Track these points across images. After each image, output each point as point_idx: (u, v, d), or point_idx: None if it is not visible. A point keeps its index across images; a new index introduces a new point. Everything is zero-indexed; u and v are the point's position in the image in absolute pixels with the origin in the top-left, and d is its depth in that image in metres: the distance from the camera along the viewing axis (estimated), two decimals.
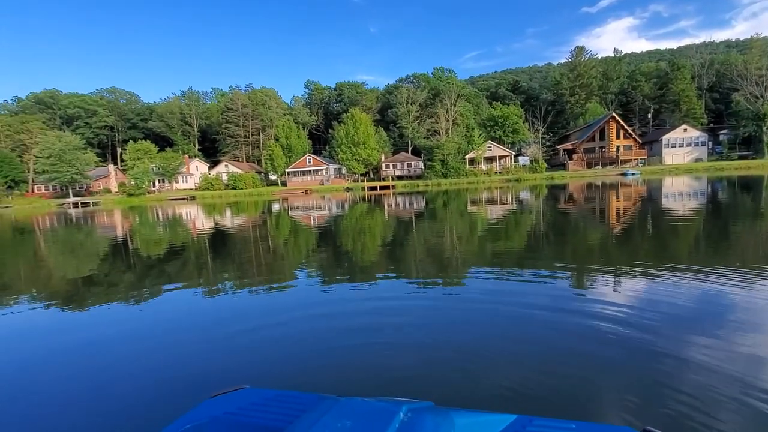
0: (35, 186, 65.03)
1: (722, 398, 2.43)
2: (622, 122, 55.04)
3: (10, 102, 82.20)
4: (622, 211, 13.24)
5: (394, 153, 67.65)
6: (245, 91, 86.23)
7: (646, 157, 54.16)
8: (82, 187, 63.17)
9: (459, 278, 5.82)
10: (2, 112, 75.90)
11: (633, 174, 44.07)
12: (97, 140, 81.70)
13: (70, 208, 47.76)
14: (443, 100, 66.35)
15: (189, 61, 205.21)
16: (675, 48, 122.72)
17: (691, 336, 3.36)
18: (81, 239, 15.07)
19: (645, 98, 70.28)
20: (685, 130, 53.96)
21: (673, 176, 38.40)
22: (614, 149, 54.50)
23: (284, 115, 79.41)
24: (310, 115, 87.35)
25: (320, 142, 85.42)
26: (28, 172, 63.96)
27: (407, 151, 68.01)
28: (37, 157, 58.65)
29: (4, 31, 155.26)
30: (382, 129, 70.14)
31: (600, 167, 53.26)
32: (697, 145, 53.55)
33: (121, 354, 3.72)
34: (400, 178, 59.34)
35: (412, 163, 60.89)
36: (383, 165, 60.98)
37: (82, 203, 52.72)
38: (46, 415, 2.75)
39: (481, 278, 5.67)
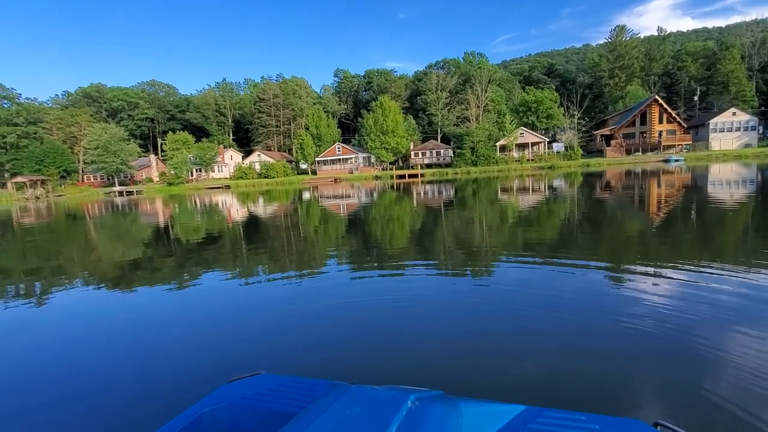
0: (85, 176, 69.23)
1: (747, 399, 2.41)
2: (665, 105, 51.91)
3: (61, 96, 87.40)
4: (663, 201, 12.66)
5: (423, 141, 67.00)
6: (276, 80, 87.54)
7: (691, 142, 50.94)
8: (127, 177, 66.69)
9: (484, 268, 5.84)
10: (54, 106, 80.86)
11: (677, 160, 41.68)
12: (139, 131, 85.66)
13: (116, 196, 50.71)
14: (474, 85, 64.78)
15: (223, 53, 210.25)
16: (723, 26, 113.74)
17: (725, 337, 3.22)
18: (126, 226, 16.07)
19: (691, 80, 65.82)
20: (734, 113, 50.18)
21: (720, 163, 36.04)
22: (656, 134, 51.57)
23: (314, 104, 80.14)
24: (340, 104, 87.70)
25: (349, 130, 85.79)
26: (78, 162, 68.12)
27: (436, 139, 67.19)
28: (85, 148, 62.33)
29: (56, 29, 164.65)
30: (411, 116, 69.49)
31: (640, 153, 50.64)
32: (746, 129, 49.75)
33: (149, 337, 3.95)
34: (429, 166, 58.85)
35: (442, 150, 60.15)
36: (412, 153, 60.60)
37: (126, 192, 55.79)
38: (79, 395, 3.05)
39: (507, 269, 5.66)
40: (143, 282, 6.29)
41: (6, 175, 66.34)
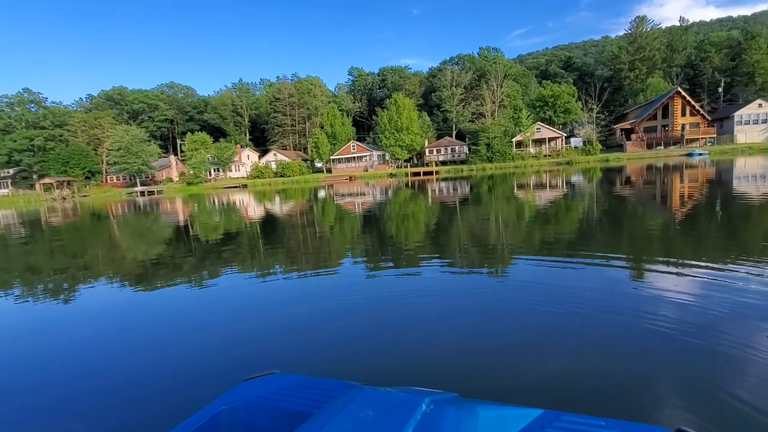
0: (108, 176, 71.34)
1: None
2: (688, 98, 50.24)
3: (84, 100, 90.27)
4: (685, 196, 12.31)
5: (438, 138, 66.60)
6: (291, 80, 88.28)
7: (715, 135, 49.25)
8: (148, 177, 68.42)
9: (500, 268, 5.81)
10: (78, 110, 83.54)
11: (700, 154, 40.38)
12: (159, 133, 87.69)
13: (138, 196, 52.12)
14: (489, 81, 63.97)
15: (239, 54, 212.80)
16: (749, 15, 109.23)
17: (753, 338, 3.10)
18: (148, 225, 16.53)
19: (715, 71, 63.51)
20: (760, 105, 48.23)
21: (746, 156, 34.77)
22: (679, 127, 50.01)
23: (328, 102, 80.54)
24: (354, 102, 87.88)
25: (364, 128, 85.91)
26: (102, 163, 70.19)
27: (451, 136, 66.69)
28: (108, 149, 64.17)
29: (79, 34, 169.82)
30: (426, 113, 69.16)
31: (662, 147, 49.23)
32: None
33: (167, 335, 4.06)
34: (443, 163, 58.51)
35: (456, 147, 59.70)
36: (427, 150, 60.34)
37: (148, 192, 57.26)
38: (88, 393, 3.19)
39: (524, 267, 5.62)
40: (162, 280, 6.48)
41: (34, 177, 68.90)
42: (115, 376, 3.22)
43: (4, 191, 69.42)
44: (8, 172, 71.02)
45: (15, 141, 67.56)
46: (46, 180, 60.98)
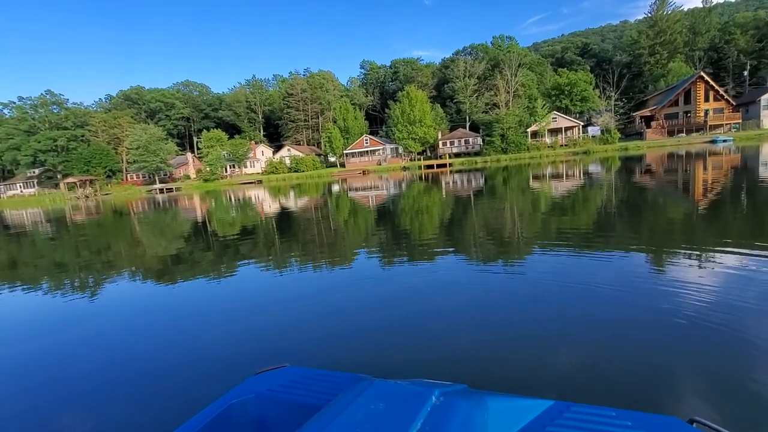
0: (128, 175, 73.08)
1: None
2: (712, 82, 48.39)
3: (104, 100, 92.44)
4: (708, 185, 11.94)
5: (452, 129, 65.91)
6: (304, 75, 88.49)
7: (740, 121, 47.34)
8: (166, 175, 69.85)
9: (514, 260, 5.77)
10: (98, 110, 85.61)
11: (724, 141, 38.94)
12: (176, 131, 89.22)
13: (157, 193, 53.33)
14: (503, 70, 62.83)
15: (251, 51, 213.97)
16: None
17: (766, 329, 3.06)
18: (168, 221, 16.93)
19: (740, 53, 60.85)
20: None
21: None
22: (702, 113, 48.29)
23: (341, 97, 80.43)
24: (366, 96, 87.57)
25: (377, 122, 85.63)
26: (122, 162, 71.91)
27: (465, 127, 65.91)
28: (128, 148, 65.71)
29: (97, 35, 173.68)
30: (439, 105, 68.40)
31: (684, 135, 47.67)
32: None
33: (179, 329, 4.17)
34: (457, 155, 57.97)
35: (470, 139, 59.02)
36: (440, 142, 59.84)
37: (166, 189, 58.48)
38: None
39: (538, 260, 5.57)
40: (178, 275, 6.67)
41: (58, 176, 71.10)
42: (129, 369, 3.31)
43: (31, 191, 71.95)
44: (34, 172, 73.55)
45: (39, 142, 69.72)
46: (70, 179, 62.89)
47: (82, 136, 73.90)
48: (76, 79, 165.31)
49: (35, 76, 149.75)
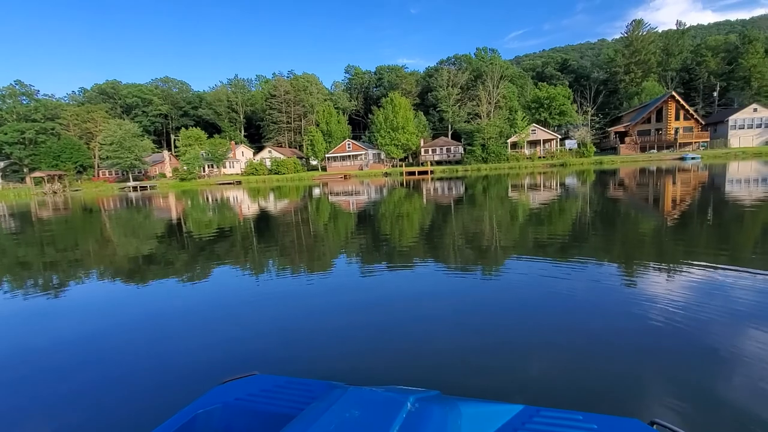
0: (100, 171, 70.58)
1: (748, 399, 2.37)
2: (682, 102, 50.72)
3: (77, 93, 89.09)
4: (677, 200, 12.41)
5: (434, 137, 66.62)
6: (287, 77, 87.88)
7: (708, 140, 49.75)
8: (141, 172, 67.79)
9: (491, 268, 5.82)
10: (71, 103, 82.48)
11: (693, 158, 40.75)
12: (153, 128, 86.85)
13: (130, 191, 51.62)
14: (485, 81, 64.08)
15: (235, 50, 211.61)
16: (747, 18, 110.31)
17: (735, 336, 3.18)
18: (140, 220, 16.35)
19: (711, 75, 64.11)
20: (755, 109, 48.79)
21: (739, 161, 35.12)
22: (672, 131, 50.48)
23: (325, 100, 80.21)
24: (350, 100, 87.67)
25: (360, 127, 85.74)
26: (94, 158, 69.43)
27: (447, 136, 66.78)
28: (101, 144, 63.44)
29: (73, 26, 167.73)
30: (422, 113, 69.11)
31: (655, 151, 49.65)
32: None
33: (142, 335, 3.90)
34: (439, 162, 58.57)
35: (452, 147, 59.77)
36: (422, 150, 60.36)
37: (140, 187, 56.73)
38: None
39: (514, 268, 5.62)
40: (145, 277, 6.40)
41: (25, 170, 68.01)
42: (84, 377, 3.09)
43: None
44: None
45: (6, 134, 66.56)
46: (37, 174, 60.22)
47: (53, 129, 71.01)
48: (49, 71, 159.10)
49: (4, 65, 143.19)
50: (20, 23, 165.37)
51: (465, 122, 64.96)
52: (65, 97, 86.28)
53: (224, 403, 1.48)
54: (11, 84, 72.08)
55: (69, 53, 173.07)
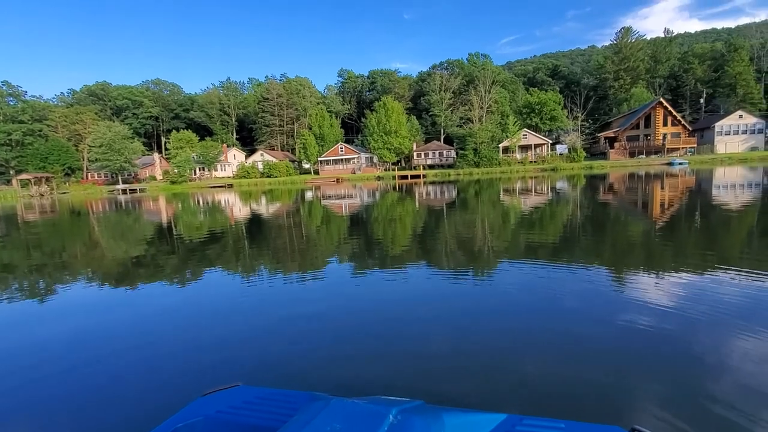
0: (89, 173, 69.56)
1: (731, 405, 2.40)
2: (670, 108, 51.59)
3: (66, 94, 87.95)
4: (666, 204, 12.59)
5: (426, 141, 66.89)
6: (280, 80, 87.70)
7: (695, 145, 50.66)
8: (131, 175, 66.95)
9: (482, 273, 5.83)
10: (60, 104, 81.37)
11: (680, 163, 41.47)
12: (143, 130, 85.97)
13: (119, 194, 50.93)
14: (477, 86, 64.54)
15: (227, 52, 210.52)
16: (733, 27, 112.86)
17: (721, 342, 3.20)
18: (129, 223, 16.13)
19: (697, 82, 65.37)
20: (741, 116, 49.89)
21: (725, 166, 35.82)
22: (660, 137, 51.30)
23: (317, 104, 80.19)
24: (343, 104, 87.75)
25: (353, 130, 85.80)
26: (83, 160, 68.45)
27: (439, 140, 67.08)
28: (90, 146, 62.60)
29: (62, 26, 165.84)
30: (415, 117, 69.42)
31: (644, 156, 50.41)
32: (753, 132, 49.47)
33: (122, 344, 3.77)
34: (431, 167, 58.78)
35: (444, 151, 60.04)
36: (415, 154, 60.55)
37: (130, 190, 55.98)
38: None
39: (505, 272, 5.64)
40: (133, 282, 6.29)
41: (11, 173, 66.78)
42: (60, 386, 2.99)
43: None
44: None
45: None
46: (24, 176, 59.18)
47: (40, 130, 69.96)
48: (37, 71, 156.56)
49: None
50: (8, 23, 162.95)
51: (457, 126, 65.34)
52: (53, 98, 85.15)
53: (206, 416, 1.45)
54: None
55: (58, 54, 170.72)
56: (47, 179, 60.38)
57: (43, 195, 55.61)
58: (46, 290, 5.95)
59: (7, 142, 67.09)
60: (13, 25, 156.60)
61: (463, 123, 64.66)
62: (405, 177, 51.24)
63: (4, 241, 12.25)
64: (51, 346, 3.84)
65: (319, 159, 63.63)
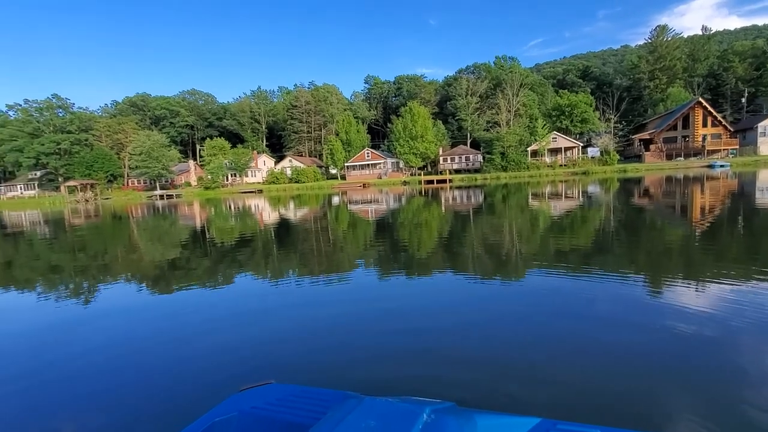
0: (129, 180, 73.34)
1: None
2: (710, 108, 49.10)
3: (109, 106, 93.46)
4: (706, 209, 12.01)
5: (453, 146, 66.49)
6: (308, 88, 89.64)
7: (737, 147, 47.93)
8: (168, 181, 70.12)
9: (511, 279, 5.75)
10: (104, 115, 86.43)
11: (722, 166, 39.32)
12: (179, 138, 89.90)
13: (157, 199, 53.38)
14: (505, 89, 63.74)
15: (258, 62, 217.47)
16: None
17: (760, 355, 3.05)
18: (166, 227, 16.93)
19: (738, 81, 62.01)
20: None
21: None
22: (700, 138, 48.87)
23: (344, 110, 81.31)
24: (369, 110, 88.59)
25: (379, 136, 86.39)
26: (124, 167, 72.25)
27: (466, 144, 66.58)
28: (130, 154, 66.11)
29: (106, 42, 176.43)
30: (441, 122, 69.23)
31: (682, 159, 48.14)
32: None
33: (158, 342, 3.92)
34: (458, 171, 58.34)
35: (471, 156, 59.48)
36: (441, 158, 60.30)
37: (167, 195, 58.60)
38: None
39: (535, 279, 5.53)
40: (167, 283, 6.61)
41: (60, 179, 71.28)
42: (103, 383, 3.11)
43: (31, 192, 72.11)
44: (36, 175, 73.81)
45: (43, 145, 70.11)
46: (71, 182, 63.07)
47: (86, 140, 74.46)
48: (83, 84, 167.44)
49: (42, 79, 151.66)
50: (58, 40, 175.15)
51: (484, 130, 64.68)
52: (98, 109, 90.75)
53: (241, 411, 1.50)
54: (48, 98, 76.13)
55: (102, 68, 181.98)
56: (92, 186, 64.11)
57: (88, 200, 59.05)
58: (89, 289, 6.37)
59: (57, 151, 71.72)
60: (63, 42, 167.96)
61: (490, 127, 63.96)
62: (431, 182, 51.08)
63: (53, 244, 13.13)
64: (91, 342, 4.04)
65: (345, 164, 64.46)
